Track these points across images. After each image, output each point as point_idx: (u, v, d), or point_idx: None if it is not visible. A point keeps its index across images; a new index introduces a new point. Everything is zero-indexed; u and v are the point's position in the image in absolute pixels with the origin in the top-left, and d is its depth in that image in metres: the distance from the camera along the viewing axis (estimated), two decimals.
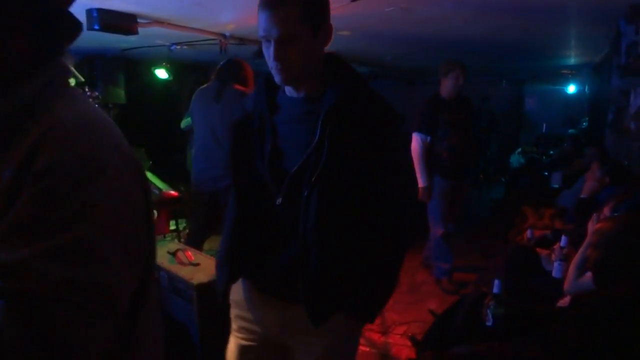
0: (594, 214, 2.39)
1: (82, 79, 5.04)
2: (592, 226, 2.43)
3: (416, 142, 3.92)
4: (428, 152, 3.91)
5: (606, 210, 2.44)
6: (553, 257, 2.58)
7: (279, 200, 1.35)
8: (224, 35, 4.10)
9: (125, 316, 0.72)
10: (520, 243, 3.07)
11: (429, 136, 3.89)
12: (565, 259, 2.49)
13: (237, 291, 1.60)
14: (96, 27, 2.91)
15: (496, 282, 2.19)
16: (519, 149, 8.14)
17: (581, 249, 2.17)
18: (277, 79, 1.30)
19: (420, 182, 3.94)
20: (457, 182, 4.06)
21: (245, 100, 1.49)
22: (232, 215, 1.49)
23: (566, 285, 2.22)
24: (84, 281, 0.63)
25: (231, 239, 1.49)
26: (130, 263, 0.71)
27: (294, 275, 1.35)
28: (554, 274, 2.53)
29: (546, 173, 6.08)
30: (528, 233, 3.41)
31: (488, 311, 2.15)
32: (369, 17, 3.55)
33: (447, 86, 3.91)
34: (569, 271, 2.30)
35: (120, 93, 5.45)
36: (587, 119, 8.18)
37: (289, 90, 1.37)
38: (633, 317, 1.53)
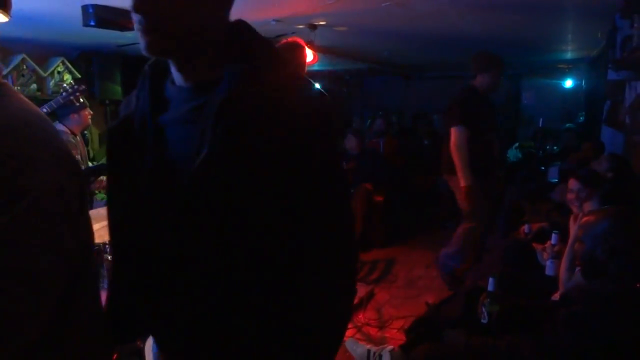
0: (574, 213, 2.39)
1: (79, 75, 5.04)
2: (572, 223, 2.45)
3: (459, 135, 3.65)
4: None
5: (586, 206, 2.44)
6: (545, 255, 2.59)
7: (165, 230, 0.96)
8: None
9: (61, 301, 0.75)
10: (516, 237, 3.08)
11: (470, 130, 3.67)
12: (557, 257, 2.50)
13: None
14: (92, 23, 2.90)
15: (490, 280, 2.20)
16: (517, 144, 8.15)
17: (567, 249, 2.19)
18: (142, 45, 0.89)
19: (465, 181, 3.63)
20: (488, 179, 3.86)
21: (129, 98, 1.06)
22: (113, 254, 1.10)
23: (561, 288, 2.24)
24: (12, 267, 0.67)
25: (112, 285, 1.10)
26: (62, 251, 0.74)
27: (195, 331, 0.98)
28: (546, 272, 2.54)
29: (543, 168, 6.10)
30: (525, 228, 3.42)
31: (483, 308, 2.17)
32: (366, 13, 3.56)
33: (486, 81, 3.78)
34: (560, 273, 2.32)
35: (117, 89, 5.45)
36: (583, 113, 8.19)
37: (177, 77, 0.96)
38: (621, 313, 1.55)
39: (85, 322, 0.84)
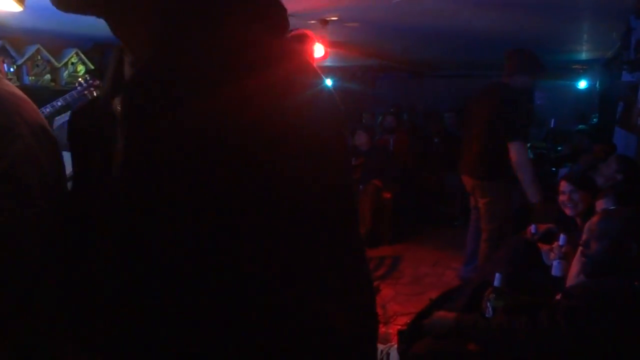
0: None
1: (92, 67, 5.08)
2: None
3: (522, 151, 3.42)
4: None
5: (599, 204, 2.44)
6: (552, 255, 2.59)
7: None
8: None
9: (34, 273, 0.76)
10: (522, 237, 3.07)
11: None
12: (564, 258, 2.49)
13: None
14: None
15: (497, 275, 2.20)
16: (528, 144, 8.09)
17: (577, 254, 2.19)
18: None
19: (537, 196, 3.50)
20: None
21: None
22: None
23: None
24: None
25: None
26: (35, 217, 0.78)
27: None
28: (553, 272, 2.53)
29: (554, 169, 6.06)
30: (532, 228, 3.40)
31: (488, 303, 2.17)
32: (377, 9, 3.55)
33: (525, 83, 3.65)
34: (570, 275, 2.31)
35: None
36: (597, 114, 8.12)
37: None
38: (623, 311, 1.55)
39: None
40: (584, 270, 1.92)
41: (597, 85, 8.45)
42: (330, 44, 4.16)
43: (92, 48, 5.27)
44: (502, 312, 2.06)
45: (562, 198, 2.85)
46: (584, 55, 6.68)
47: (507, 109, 3.47)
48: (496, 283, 2.19)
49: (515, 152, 3.41)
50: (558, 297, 2.27)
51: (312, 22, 3.83)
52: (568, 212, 2.85)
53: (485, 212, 3.74)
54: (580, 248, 2.01)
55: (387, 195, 5.33)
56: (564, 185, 2.85)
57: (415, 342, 2.09)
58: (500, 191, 3.71)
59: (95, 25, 3.87)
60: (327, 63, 6.55)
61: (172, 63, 0.62)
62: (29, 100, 0.88)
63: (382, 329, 3.39)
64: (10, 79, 3.86)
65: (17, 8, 2.62)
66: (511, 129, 3.43)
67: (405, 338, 2.26)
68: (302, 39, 2.91)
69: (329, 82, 3.25)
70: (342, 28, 4.13)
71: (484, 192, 3.72)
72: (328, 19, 3.79)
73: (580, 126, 7.73)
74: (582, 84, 8.79)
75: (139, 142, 0.62)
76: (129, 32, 0.71)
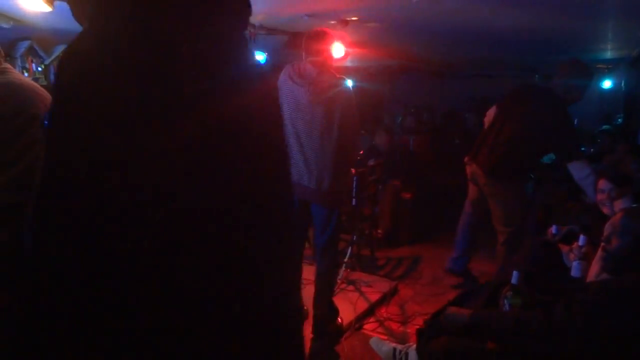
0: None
1: None
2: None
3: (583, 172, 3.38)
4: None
5: (617, 204, 2.42)
6: (572, 256, 2.56)
7: None
8: (253, 25, 4.15)
9: None
10: (543, 238, 3.04)
11: None
12: (584, 258, 2.47)
13: None
14: None
15: (515, 273, 2.19)
16: None
17: (597, 254, 2.17)
18: None
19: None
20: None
21: None
22: None
23: None
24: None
25: None
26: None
27: None
28: (572, 273, 2.51)
29: None
30: (553, 229, 3.37)
31: (505, 301, 2.16)
32: (397, 9, 3.55)
33: (572, 91, 3.56)
34: (590, 275, 2.29)
35: None
36: (622, 115, 7.96)
37: None
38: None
39: None
40: (605, 265, 1.91)
41: (623, 84, 8.29)
42: (350, 44, 4.17)
43: None
44: (519, 309, 2.06)
45: (600, 197, 2.79)
46: (609, 54, 6.56)
47: (558, 121, 3.46)
48: (514, 281, 2.18)
49: (577, 174, 3.42)
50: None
51: (332, 22, 3.85)
52: (606, 210, 2.79)
53: (501, 214, 3.70)
54: (601, 245, 1.99)
55: (407, 195, 5.32)
56: (603, 184, 2.79)
57: (433, 340, 2.09)
58: (517, 191, 3.71)
59: None
60: (347, 63, 6.55)
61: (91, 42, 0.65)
62: (38, 86, 1.13)
63: (400, 329, 3.39)
64: (38, 79, 3.96)
65: (47, 8, 2.69)
66: (573, 147, 3.49)
67: (424, 337, 2.26)
68: (321, 37, 2.93)
69: (349, 82, 3.25)
70: (362, 28, 4.14)
71: (499, 191, 3.68)
72: (348, 19, 3.80)
73: (604, 126, 7.59)
74: (607, 84, 8.62)
75: (62, 111, 0.63)
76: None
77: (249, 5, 0.77)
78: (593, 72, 3.56)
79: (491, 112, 3.92)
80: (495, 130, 3.69)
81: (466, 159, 3.92)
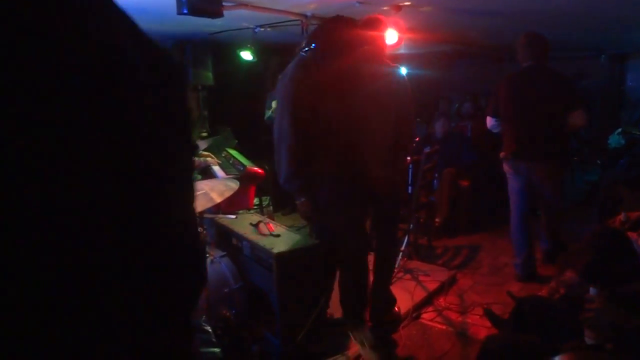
0: None
1: None
2: None
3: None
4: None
5: None
6: None
7: None
8: (305, 16, 4.16)
9: None
10: (609, 225, 2.89)
11: None
12: None
13: None
14: (185, 11, 3.07)
15: (591, 290, 2.08)
16: (619, 129, 7.57)
17: None
18: None
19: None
20: None
21: None
22: None
23: None
24: None
25: None
26: None
27: None
28: None
29: None
30: (622, 216, 3.21)
31: (588, 329, 1.97)
32: None
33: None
34: None
35: (209, 75, 5.70)
36: None
37: None
38: None
39: None
40: None
41: None
42: (403, 31, 4.10)
43: (172, 46, 5.53)
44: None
45: None
46: None
47: (565, 86, 3.79)
48: (592, 292, 2.06)
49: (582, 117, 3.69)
50: None
51: (385, 8, 3.80)
52: None
53: (555, 194, 3.84)
54: None
55: (464, 183, 5.20)
56: None
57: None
58: (564, 170, 4.08)
59: (175, 24, 4.06)
60: (401, 50, 6.45)
61: None
62: None
63: (459, 319, 3.34)
64: None
65: None
66: (574, 99, 3.73)
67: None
68: (374, 24, 2.89)
69: (403, 70, 3.20)
70: (415, 13, 4.05)
71: (552, 173, 3.79)
72: (401, 4, 3.73)
73: None
74: None
75: None
76: None
77: None
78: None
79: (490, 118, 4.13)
80: (520, 120, 3.81)
81: (504, 154, 4.04)
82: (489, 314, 3.00)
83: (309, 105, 2.66)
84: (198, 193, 2.57)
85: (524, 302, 2.32)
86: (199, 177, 3.89)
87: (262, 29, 4.66)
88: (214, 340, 2.31)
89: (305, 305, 2.68)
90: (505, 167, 4.04)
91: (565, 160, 3.95)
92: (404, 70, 3.23)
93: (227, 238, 3.18)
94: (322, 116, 2.68)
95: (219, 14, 3.29)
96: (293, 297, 2.66)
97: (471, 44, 7.03)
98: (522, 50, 3.84)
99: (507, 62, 9.27)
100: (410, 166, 4.12)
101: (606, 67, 8.78)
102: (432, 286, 3.71)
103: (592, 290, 2.10)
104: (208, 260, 2.82)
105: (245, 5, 3.64)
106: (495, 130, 4.13)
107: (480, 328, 3.15)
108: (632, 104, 8.80)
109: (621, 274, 2.40)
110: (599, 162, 7.64)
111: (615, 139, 7.40)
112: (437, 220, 4.97)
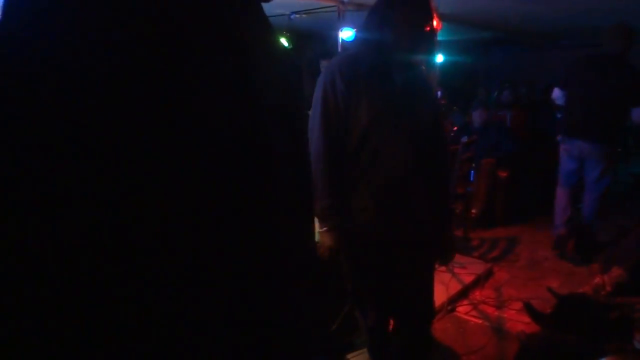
0: None
1: None
2: None
3: None
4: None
5: None
6: None
7: None
8: (342, 2, 4.10)
9: None
10: None
11: None
12: None
13: None
14: None
15: None
16: None
17: None
18: None
19: None
20: None
21: None
22: None
23: None
24: None
25: None
26: None
27: None
28: None
29: None
30: None
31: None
32: None
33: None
34: None
35: None
36: None
37: None
38: None
39: None
40: None
41: None
42: (440, 16, 3.99)
43: None
44: None
45: None
46: None
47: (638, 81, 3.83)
48: None
49: None
50: None
51: None
52: None
53: (605, 175, 3.94)
54: None
55: (503, 173, 5.07)
56: None
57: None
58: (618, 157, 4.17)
59: None
60: (438, 37, 6.32)
61: None
62: None
63: (495, 313, 3.26)
64: None
65: None
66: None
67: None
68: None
69: (439, 57, 3.10)
70: None
71: (606, 155, 3.90)
72: None
73: None
74: None
75: None
76: None
77: None
78: None
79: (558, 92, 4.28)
80: (587, 100, 3.90)
81: (560, 136, 4.18)
82: (529, 309, 2.91)
83: None
84: None
85: (567, 299, 2.23)
86: None
87: (298, 16, 4.63)
88: None
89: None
90: (561, 148, 4.19)
91: (616, 146, 4.11)
92: (440, 57, 3.13)
93: None
94: None
95: None
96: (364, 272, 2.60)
97: (510, 30, 6.83)
98: (609, 38, 3.91)
99: (548, 49, 9.00)
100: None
101: None
102: (468, 279, 3.63)
103: None
104: None
105: None
106: (558, 102, 4.32)
107: (517, 323, 3.07)
108: None
109: None
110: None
111: None
112: (473, 211, 4.86)
